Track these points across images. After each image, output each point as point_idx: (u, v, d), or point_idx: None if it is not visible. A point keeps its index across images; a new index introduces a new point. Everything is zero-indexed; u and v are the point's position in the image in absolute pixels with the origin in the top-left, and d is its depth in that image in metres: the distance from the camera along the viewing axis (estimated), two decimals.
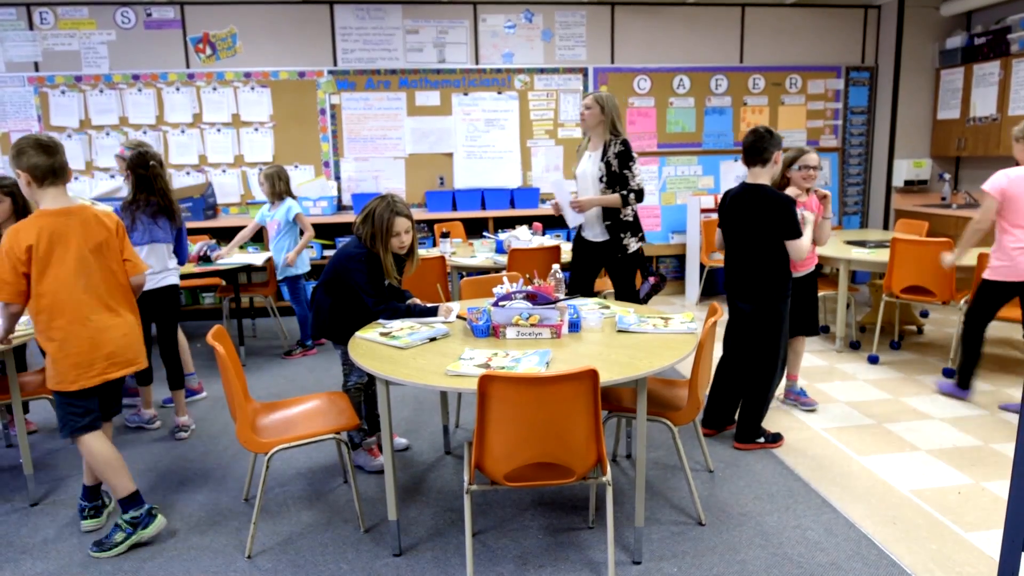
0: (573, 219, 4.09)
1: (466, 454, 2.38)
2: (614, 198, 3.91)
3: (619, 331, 2.71)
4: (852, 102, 7.16)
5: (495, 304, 2.68)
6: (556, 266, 2.99)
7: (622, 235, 3.97)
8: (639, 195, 3.91)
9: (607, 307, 3.06)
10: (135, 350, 2.71)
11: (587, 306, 3.05)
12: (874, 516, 2.75)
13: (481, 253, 4.85)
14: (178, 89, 6.21)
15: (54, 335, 2.51)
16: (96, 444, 2.61)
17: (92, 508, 2.82)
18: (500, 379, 2.01)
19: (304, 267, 5.03)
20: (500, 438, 2.08)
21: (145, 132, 6.22)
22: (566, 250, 4.67)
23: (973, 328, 3.86)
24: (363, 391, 3.15)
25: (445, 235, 5.25)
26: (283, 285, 5.18)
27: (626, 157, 3.87)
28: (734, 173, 7.04)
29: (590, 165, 4.00)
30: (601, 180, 3.92)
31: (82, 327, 2.52)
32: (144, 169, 3.56)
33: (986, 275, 3.77)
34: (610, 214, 3.97)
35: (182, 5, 6.14)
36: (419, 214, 6.29)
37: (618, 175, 3.89)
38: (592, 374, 2.02)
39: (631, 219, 4.00)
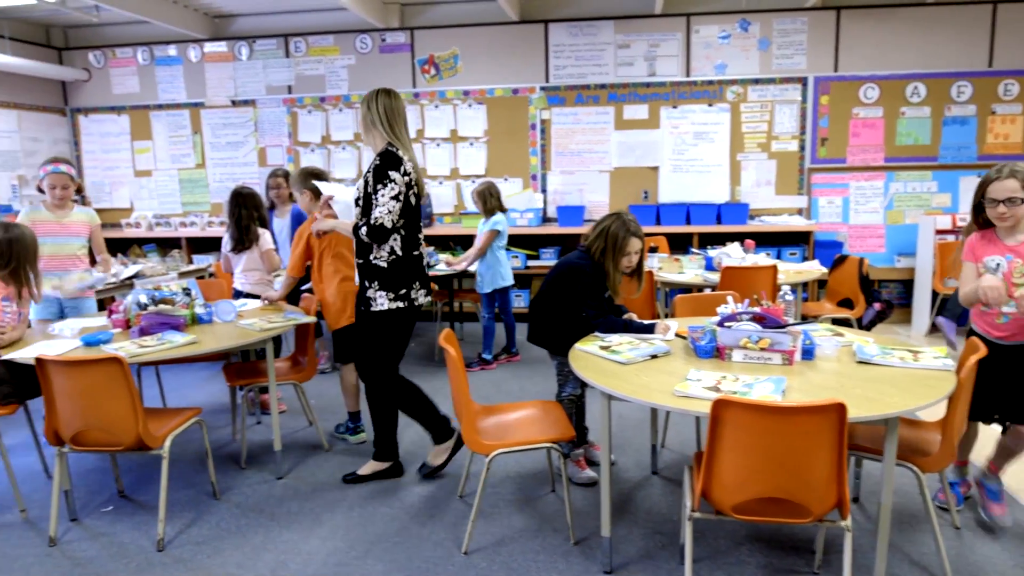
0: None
1: (687, 478, 2.31)
2: (347, 225, 3.16)
3: (859, 362, 2.49)
4: None
5: (720, 324, 2.59)
6: (787, 287, 2.82)
7: (367, 284, 3.12)
8: (375, 233, 2.94)
9: (841, 335, 2.83)
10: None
11: (819, 332, 2.85)
12: None
13: (689, 269, 4.72)
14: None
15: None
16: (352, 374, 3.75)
17: (356, 428, 3.86)
18: (736, 405, 1.92)
19: (509, 279, 5.15)
20: (731, 467, 2.00)
21: None
22: (784, 269, 4.41)
23: None
24: (575, 403, 3.18)
25: (653, 250, 5.18)
26: (495, 296, 5.23)
27: (380, 174, 2.96)
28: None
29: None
30: (357, 203, 3.12)
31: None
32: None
33: None
34: (359, 251, 3.14)
35: (412, 30, 6.66)
36: None
37: (369, 198, 3.02)
38: (839, 408, 1.87)
39: (383, 265, 3.07)
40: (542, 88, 6.56)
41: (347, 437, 3.88)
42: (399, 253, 3.08)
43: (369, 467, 3.37)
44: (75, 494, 3.19)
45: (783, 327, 2.52)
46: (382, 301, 3.10)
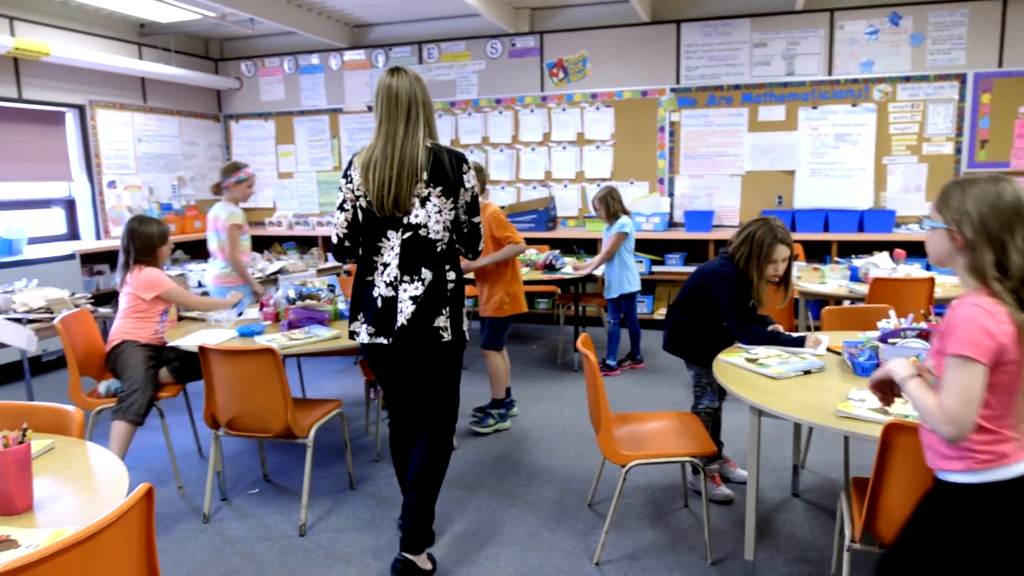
0: None
1: (844, 504, 2.15)
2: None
3: None
4: None
5: (883, 340, 2.40)
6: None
7: None
8: (333, 250, 2.56)
9: None
10: None
11: None
12: None
13: (832, 280, 4.44)
14: (532, 111, 6.78)
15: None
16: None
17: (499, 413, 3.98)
18: (913, 431, 1.76)
19: (637, 285, 5.05)
20: (903, 499, 1.83)
21: (502, 150, 6.91)
22: (942, 283, 4.06)
23: None
24: (711, 416, 3.06)
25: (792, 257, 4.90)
26: (621, 302, 5.13)
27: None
28: None
29: None
30: None
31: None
32: None
33: None
34: None
35: (541, 34, 6.68)
36: None
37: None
38: None
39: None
40: (672, 90, 6.40)
41: (483, 429, 3.97)
42: (357, 276, 2.52)
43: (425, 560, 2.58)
44: (225, 475, 3.40)
45: None
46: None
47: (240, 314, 3.69)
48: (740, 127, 6.30)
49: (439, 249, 2.43)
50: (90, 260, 6.07)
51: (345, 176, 2.45)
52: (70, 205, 6.45)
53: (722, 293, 2.84)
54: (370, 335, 2.45)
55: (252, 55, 7.64)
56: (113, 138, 6.60)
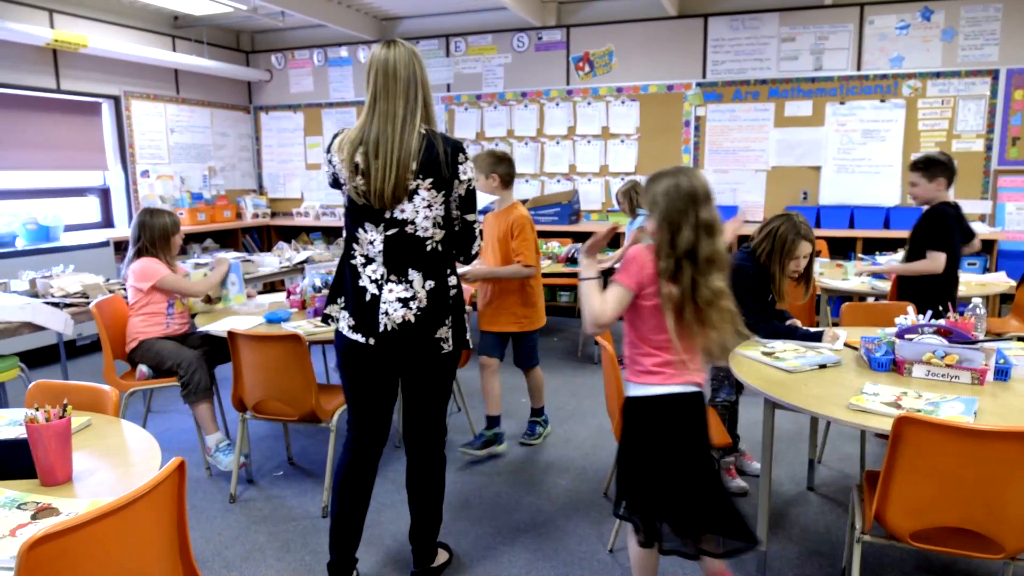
0: None
1: (855, 497, 2.17)
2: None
3: None
4: None
5: (899, 336, 2.41)
6: (977, 300, 2.58)
7: None
8: None
9: None
10: None
11: (1012, 351, 2.57)
12: None
13: (854, 276, 4.42)
14: (557, 104, 6.81)
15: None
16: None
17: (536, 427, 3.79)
18: (923, 424, 1.78)
19: None
20: (912, 491, 1.85)
21: (527, 143, 6.95)
22: (966, 280, 4.03)
23: None
24: (728, 409, 3.08)
25: (815, 254, 4.87)
26: None
27: None
28: None
29: None
30: None
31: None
32: None
33: None
34: None
35: (568, 28, 6.70)
36: None
37: None
38: None
39: None
40: (698, 84, 6.38)
41: (533, 441, 3.74)
42: (343, 257, 2.30)
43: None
44: (251, 458, 3.50)
45: (974, 343, 2.31)
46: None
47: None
48: (766, 122, 6.27)
49: (429, 248, 2.16)
50: (123, 247, 6.23)
51: (328, 154, 2.20)
52: (104, 194, 6.62)
53: (741, 287, 2.85)
54: (350, 327, 2.21)
55: (282, 47, 7.75)
56: (146, 128, 6.75)
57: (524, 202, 6.70)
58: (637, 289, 1.94)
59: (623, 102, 6.61)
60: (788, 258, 2.82)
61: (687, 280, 1.87)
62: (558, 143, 6.86)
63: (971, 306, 2.59)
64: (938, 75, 5.86)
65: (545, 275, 4.31)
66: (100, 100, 6.40)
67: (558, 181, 6.91)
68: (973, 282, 4.26)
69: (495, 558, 2.67)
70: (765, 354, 2.58)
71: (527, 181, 7.01)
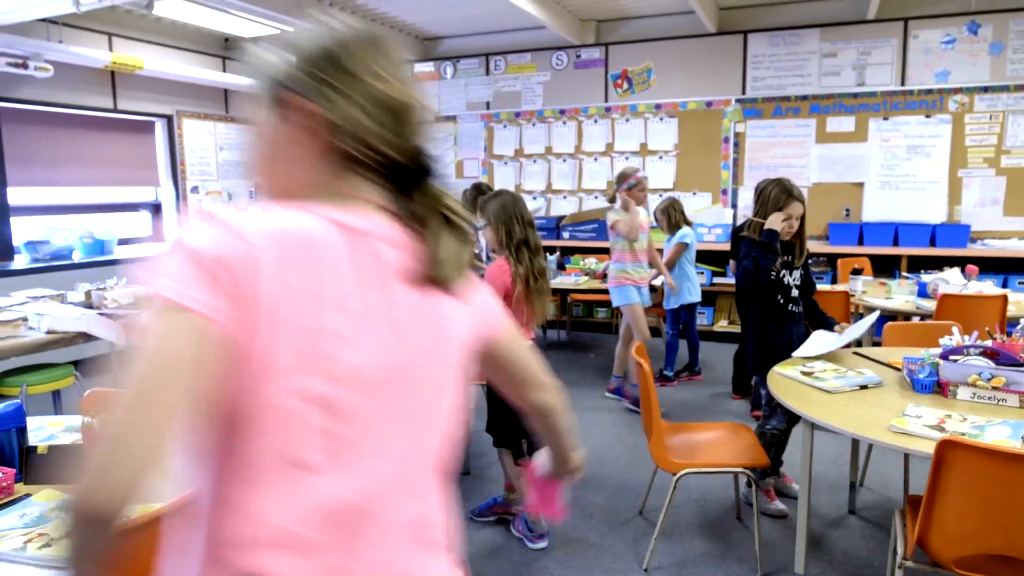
0: None
1: (897, 521, 2.13)
2: None
3: None
4: None
5: (944, 357, 2.36)
6: None
7: None
8: None
9: None
10: None
11: None
12: None
13: (899, 295, 4.34)
14: (596, 121, 6.84)
15: None
16: None
17: None
18: (967, 448, 1.75)
19: (697, 296, 5.04)
20: (957, 517, 1.82)
21: (565, 160, 6.99)
22: (1016, 300, 3.93)
23: None
24: (777, 437, 3.01)
25: (857, 272, 4.81)
26: (680, 312, 5.14)
27: None
28: None
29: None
30: None
31: None
32: None
33: None
34: None
35: (607, 46, 6.74)
36: (819, 247, 5.90)
37: None
38: None
39: None
40: (737, 100, 6.36)
41: None
42: None
43: None
44: None
45: (1022, 365, 2.25)
46: None
47: None
48: (807, 138, 6.20)
49: None
50: None
51: None
52: (156, 209, 6.86)
53: (746, 260, 2.97)
54: None
55: None
56: (196, 146, 6.98)
57: (562, 219, 6.75)
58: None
59: (661, 119, 6.61)
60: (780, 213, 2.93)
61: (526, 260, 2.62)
62: (596, 159, 6.88)
63: (1020, 327, 2.52)
64: (986, 89, 5.74)
65: (582, 291, 4.33)
66: (154, 119, 6.65)
67: (596, 197, 6.92)
68: (1023, 302, 4.15)
69: (529, 575, 2.67)
70: (804, 374, 2.56)
71: (565, 197, 7.05)
